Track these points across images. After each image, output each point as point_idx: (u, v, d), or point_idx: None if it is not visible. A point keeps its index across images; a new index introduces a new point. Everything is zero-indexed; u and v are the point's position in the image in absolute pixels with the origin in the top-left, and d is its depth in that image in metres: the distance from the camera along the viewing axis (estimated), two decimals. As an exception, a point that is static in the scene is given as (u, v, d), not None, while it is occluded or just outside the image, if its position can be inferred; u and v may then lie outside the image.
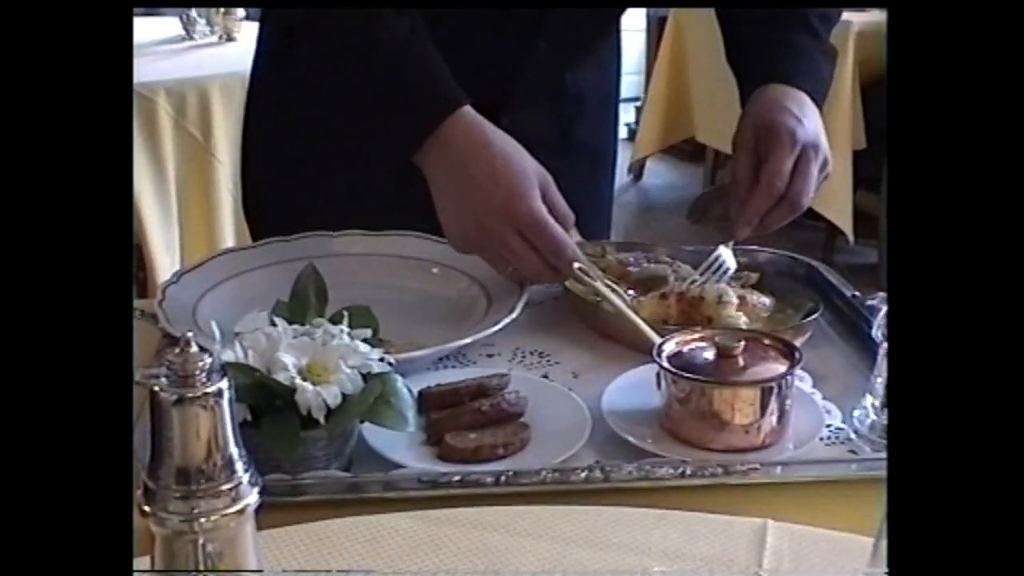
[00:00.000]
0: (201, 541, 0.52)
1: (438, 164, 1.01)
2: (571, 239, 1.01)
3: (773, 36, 1.15)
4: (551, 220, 0.98)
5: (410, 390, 0.83)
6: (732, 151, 1.12)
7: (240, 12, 3.04)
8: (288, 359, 0.78)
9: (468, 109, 1.01)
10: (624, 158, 4.76)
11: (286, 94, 1.24)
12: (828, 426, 0.88)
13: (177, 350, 0.51)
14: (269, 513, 0.61)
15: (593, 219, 1.13)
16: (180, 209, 2.57)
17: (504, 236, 0.98)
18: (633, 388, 0.91)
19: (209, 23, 3.06)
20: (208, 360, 0.51)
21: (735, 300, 1.02)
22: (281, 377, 0.77)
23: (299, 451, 0.77)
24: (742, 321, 1.02)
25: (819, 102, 1.12)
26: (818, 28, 1.17)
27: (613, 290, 1.05)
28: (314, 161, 1.24)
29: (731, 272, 1.10)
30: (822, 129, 1.10)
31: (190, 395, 0.50)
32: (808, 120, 1.09)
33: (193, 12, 3.05)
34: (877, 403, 0.87)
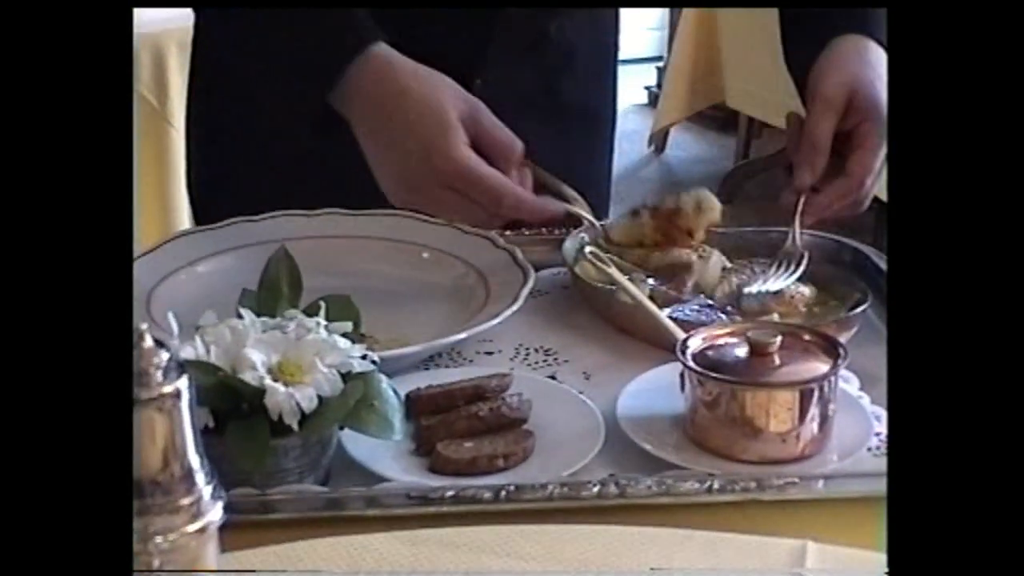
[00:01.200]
0: (157, 563, 0.53)
1: (357, 113, 1.02)
2: (518, 178, 1.01)
3: None
4: (479, 168, 0.98)
5: (397, 392, 0.83)
6: (806, 109, 1.10)
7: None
8: (256, 356, 0.78)
9: (381, 50, 1.02)
10: (644, 127, 4.77)
11: (215, 52, 1.26)
12: (877, 434, 0.88)
13: (129, 344, 0.51)
14: (235, 532, 0.62)
15: (590, 193, 1.13)
16: (131, 184, 2.57)
17: (432, 191, 0.99)
18: (653, 391, 0.91)
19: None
20: (165, 356, 0.51)
21: (718, 206, 1.02)
22: (248, 377, 0.77)
23: (269, 462, 0.78)
24: (778, 314, 1.02)
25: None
26: None
27: (630, 278, 1.05)
28: (253, 131, 1.25)
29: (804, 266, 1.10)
30: None
31: (144, 396, 0.51)
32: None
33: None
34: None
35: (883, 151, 1.07)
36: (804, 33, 1.17)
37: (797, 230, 1.11)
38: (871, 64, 1.10)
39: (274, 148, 1.24)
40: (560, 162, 1.05)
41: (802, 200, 1.11)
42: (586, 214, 1.10)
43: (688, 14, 4.01)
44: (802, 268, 1.09)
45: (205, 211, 1.29)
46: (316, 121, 1.06)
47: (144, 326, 0.51)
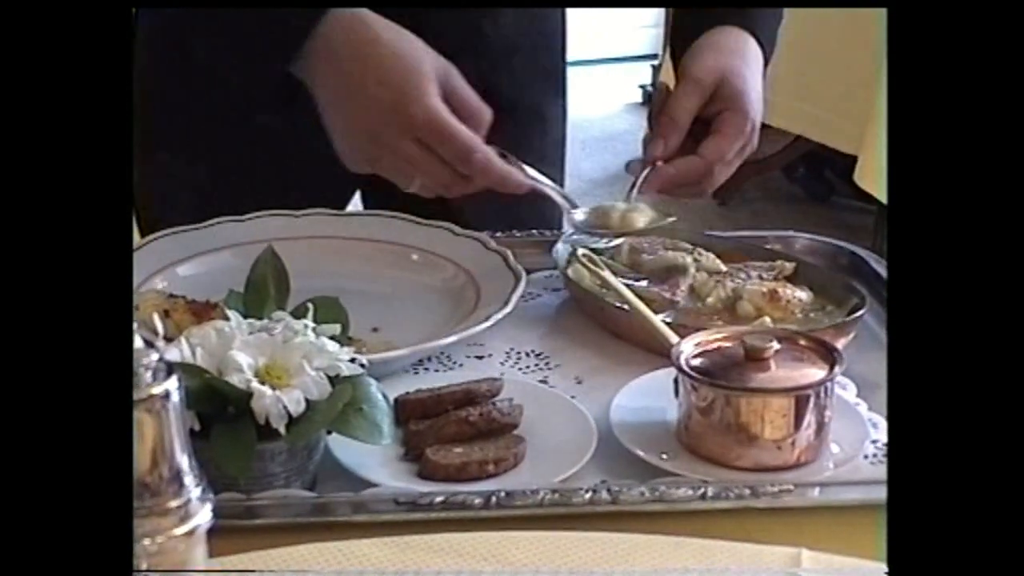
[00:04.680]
0: (144, 566, 0.53)
1: (322, 73, 1.02)
2: (485, 147, 1.01)
3: None
4: (451, 120, 0.99)
5: (385, 396, 0.84)
6: (676, 79, 1.14)
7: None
8: (243, 359, 0.79)
9: (347, 10, 1.02)
10: (638, 126, 4.77)
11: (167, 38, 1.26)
12: (874, 442, 0.89)
13: (117, 344, 0.52)
14: (221, 538, 0.62)
15: (534, 201, 1.14)
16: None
17: (399, 143, 0.99)
18: (646, 396, 0.92)
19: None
20: (154, 357, 0.52)
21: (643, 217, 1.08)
22: (235, 380, 0.78)
23: (255, 466, 0.78)
24: (774, 319, 1.03)
25: (765, 68, 1.16)
26: None
27: (624, 281, 1.06)
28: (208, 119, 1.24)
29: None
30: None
31: (133, 397, 0.51)
32: (761, 102, 1.12)
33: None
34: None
35: (739, 142, 1.10)
36: (690, 20, 1.19)
37: (634, 195, 1.13)
38: (744, 56, 1.13)
39: (224, 145, 1.24)
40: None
41: (647, 170, 1.12)
42: (559, 198, 1.11)
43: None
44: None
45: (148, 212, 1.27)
46: (278, 96, 1.06)
47: (133, 326, 0.52)
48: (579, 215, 1.12)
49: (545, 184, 1.10)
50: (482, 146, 1.00)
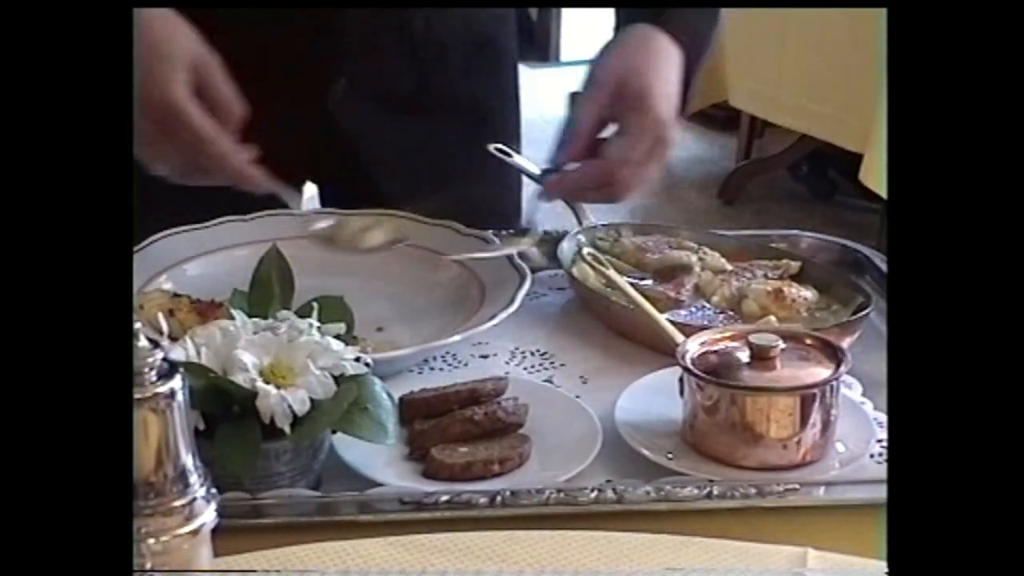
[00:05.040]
0: (149, 566, 0.53)
1: None
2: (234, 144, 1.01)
3: None
4: (190, 108, 0.99)
5: (390, 396, 0.84)
6: (584, 86, 1.11)
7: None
8: (247, 358, 0.79)
9: None
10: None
11: None
12: (880, 441, 0.89)
13: (123, 344, 0.52)
14: (225, 537, 0.63)
15: (497, 191, 1.13)
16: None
17: (141, 123, 0.98)
18: (651, 395, 0.92)
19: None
20: (159, 356, 0.52)
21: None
22: (239, 379, 0.78)
23: (260, 466, 0.79)
24: (779, 318, 1.03)
25: (692, 71, 1.12)
26: None
27: (629, 280, 1.06)
28: None
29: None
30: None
31: (138, 396, 0.51)
32: (674, 99, 1.08)
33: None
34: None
35: (643, 142, 1.05)
36: (613, 23, 1.17)
37: (534, 204, 1.12)
38: (651, 54, 1.10)
39: None
40: (442, 158, 1.04)
41: (551, 176, 1.10)
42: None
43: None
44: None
45: None
46: None
47: (138, 325, 0.52)
48: (320, 223, 1.12)
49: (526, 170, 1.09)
50: (219, 139, 1.00)
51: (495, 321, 1.01)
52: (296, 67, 1.15)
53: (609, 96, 1.07)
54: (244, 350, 0.79)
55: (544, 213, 1.17)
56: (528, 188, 1.37)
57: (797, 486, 0.82)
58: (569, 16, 5.12)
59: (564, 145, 1.08)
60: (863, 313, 1.04)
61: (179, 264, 1.11)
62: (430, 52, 1.25)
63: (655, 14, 1.12)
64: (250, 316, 0.84)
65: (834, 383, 0.86)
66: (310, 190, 1.36)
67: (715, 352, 0.89)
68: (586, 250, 1.13)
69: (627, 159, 1.05)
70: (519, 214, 1.35)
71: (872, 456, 0.88)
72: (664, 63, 1.09)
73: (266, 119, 1.11)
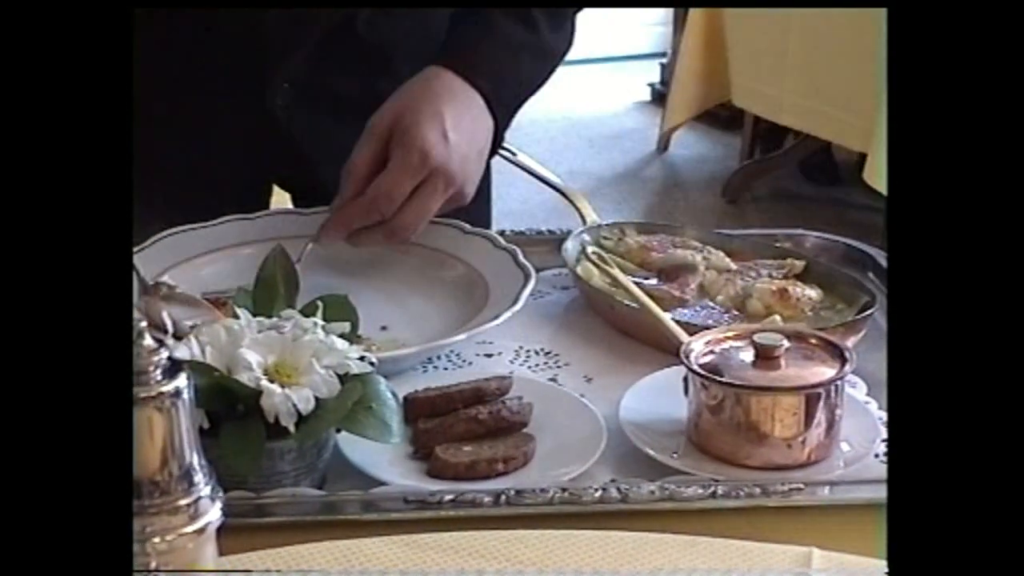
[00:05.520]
0: (154, 565, 0.53)
1: None
2: None
3: (478, 18, 1.14)
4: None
5: (395, 395, 0.84)
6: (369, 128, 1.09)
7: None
8: (252, 357, 0.79)
9: None
10: (646, 124, 4.78)
11: None
12: (884, 440, 0.89)
13: (128, 343, 0.52)
14: (230, 536, 0.63)
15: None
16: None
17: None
18: (656, 394, 0.92)
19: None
20: (164, 355, 0.52)
21: None
22: (244, 378, 0.78)
23: (264, 465, 0.79)
24: (784, 317, 1.03)
25: (506, 105, 1.12)
26: (538, 21, 1.15)
27: (634, 279, 1.06)
28: None
29: None
30: (476, 151, 1.08)
31: (143, 395, 0.52)
32: (460, 135, 1.06)
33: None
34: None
35: (407, 177, 1.04)
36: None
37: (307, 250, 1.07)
38: (432, 92, 1.08)
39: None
40: None
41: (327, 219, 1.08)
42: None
43: (696, 10, 4.02)
44: None
45: None
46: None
47: (143, 324, 0.52)
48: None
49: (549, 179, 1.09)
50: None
51: (499, 320, 1.01)
52: (238, 71, 1.14)
53: (382, 138, 1.06)
54: (249, 349, 0.79)
55: (548, 212, 1.17)
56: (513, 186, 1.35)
57: (802, 486, 0.82)
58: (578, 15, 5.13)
59: (340, 191, 1.07)
60: (868, 312, 1.04)
61: (184, 262, 1.11)
62: (374, 54, 1.22)
63: (450, 55, 1.11)
64: (255, 315, 0.84)
65: (839, 382, 0.86)
66: (282, 195, 1.35)
67: (719, 351, 0.89)
68: (591, 249, 1.13)
69: (388, 192, 1.04)
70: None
71: (877, 456, 0.87)
72: (442, 103, 1.07)
73: (219, 125, 1.10)
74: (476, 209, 1.16)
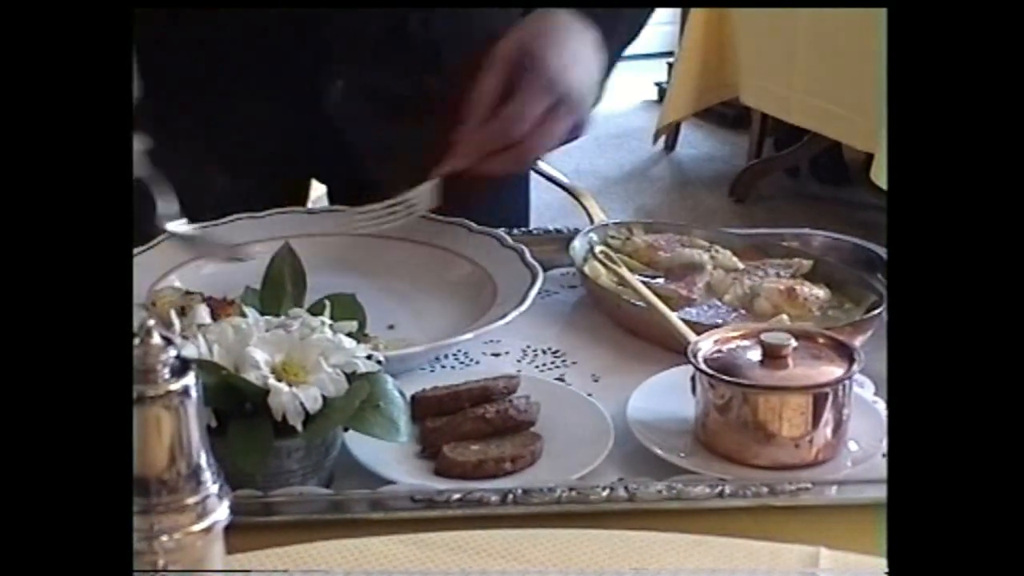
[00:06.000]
0: (162, 563, 0.53)
1: None
2: None
3: None
4: None
5: (402, 393, 0.84)
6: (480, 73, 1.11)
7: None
8: (260, 356, 0.79)
9: None
10: (654, 124, 4.77)
11: None
12: (892, 440, 0.89)
13: (136, 341, 0.52)
14: (237, 535, 0.63)
15: (498, 195, 1.14)
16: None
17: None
18: (663, 393, 0.92)
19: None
20: (172, 353, 0.52)
21: None
22: (252, 376, 0.78)
23: (272, 463, 0.79)
24: (792, 317, 1.03)
25: (613, 50, 1.14)
26: None
27: (641, 278, 1.06)
28: None
29: (419, 212, 1.11)
30: (591, 85, 1.11)
31: (151, 393, 0.51)
32: (581, 67, 1.09)
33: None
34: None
35: (537, 101, 1.06)
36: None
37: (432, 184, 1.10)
38: (551, 27, 1.10)
39: None
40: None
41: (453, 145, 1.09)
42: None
43: (696, 9, 4.01)
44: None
45: None
46: None
47: (151, 321, 0.52)
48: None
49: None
50: None
51: (507, 319, 1.01)
52: (289, 70, 1.15)
53: (507, 69, 1.08)
54: (256, 347, 0.79)
55: (555, 211, 1.17)
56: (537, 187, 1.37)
57: (809, 485, 0.82)
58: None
59: (463, 119, 1.08)
60: (875, 312, 1.03)
61: (191, 261, 1.11)
62: (425, 52, 1.24)
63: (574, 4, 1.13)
64: (262, 314, 0.85)
65: (846, 382, 0.86)
66: (318, 189, 1.37)
67: (727, 351, 0.89)
68: (598, 248, 1.13)
69: (520, 115, 1.06)
70: (527, 214, 1.35)
71: (884, 455, 0.87)
72: (564, 35, 1.10)
73: (268, 119, 1.11)
74: (514, 201, 1.17)
